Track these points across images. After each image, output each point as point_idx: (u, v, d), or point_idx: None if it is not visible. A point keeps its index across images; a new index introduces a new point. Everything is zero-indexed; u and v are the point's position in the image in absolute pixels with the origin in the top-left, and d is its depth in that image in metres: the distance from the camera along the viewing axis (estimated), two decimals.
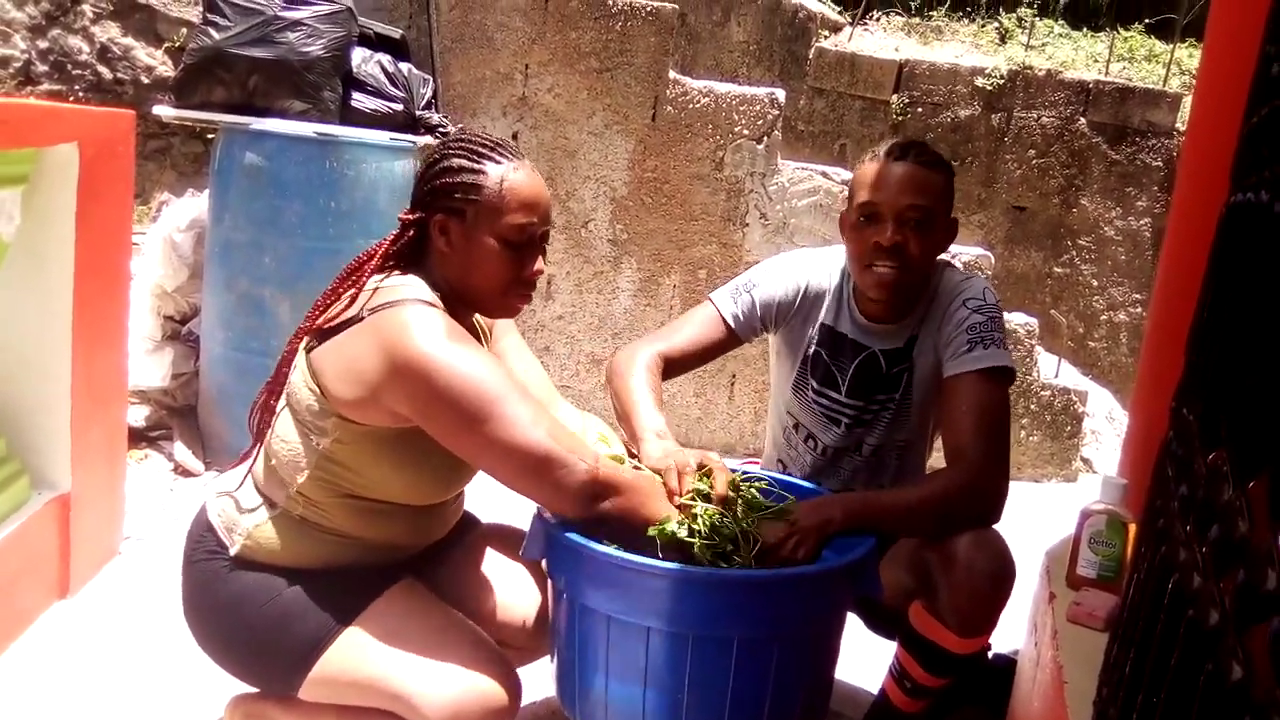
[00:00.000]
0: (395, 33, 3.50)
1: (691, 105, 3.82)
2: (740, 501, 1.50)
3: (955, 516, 1.58)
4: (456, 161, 1.47)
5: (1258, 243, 1.01)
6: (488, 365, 1.38)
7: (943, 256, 1.89)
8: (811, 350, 1.90)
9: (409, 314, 1.37)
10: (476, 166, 1.47)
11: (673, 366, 1.84)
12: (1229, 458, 0.91)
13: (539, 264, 1.52)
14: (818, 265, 1.91)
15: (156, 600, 2.21)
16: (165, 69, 3.95)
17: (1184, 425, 1.17)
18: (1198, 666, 0.79)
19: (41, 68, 3.87)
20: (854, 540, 1.45)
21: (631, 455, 1.64)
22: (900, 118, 5.02)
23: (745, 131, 3.84)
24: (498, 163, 1.48)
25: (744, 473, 1.64)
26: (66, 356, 2.18)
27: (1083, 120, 5.00)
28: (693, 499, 1.46)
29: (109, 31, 3.93)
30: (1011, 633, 2.03)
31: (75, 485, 2.24)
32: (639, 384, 1.73)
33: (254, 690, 1.60)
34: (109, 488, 2.47)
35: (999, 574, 1.56)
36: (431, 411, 1.36)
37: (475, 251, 1.47)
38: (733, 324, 1.88)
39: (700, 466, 1.55)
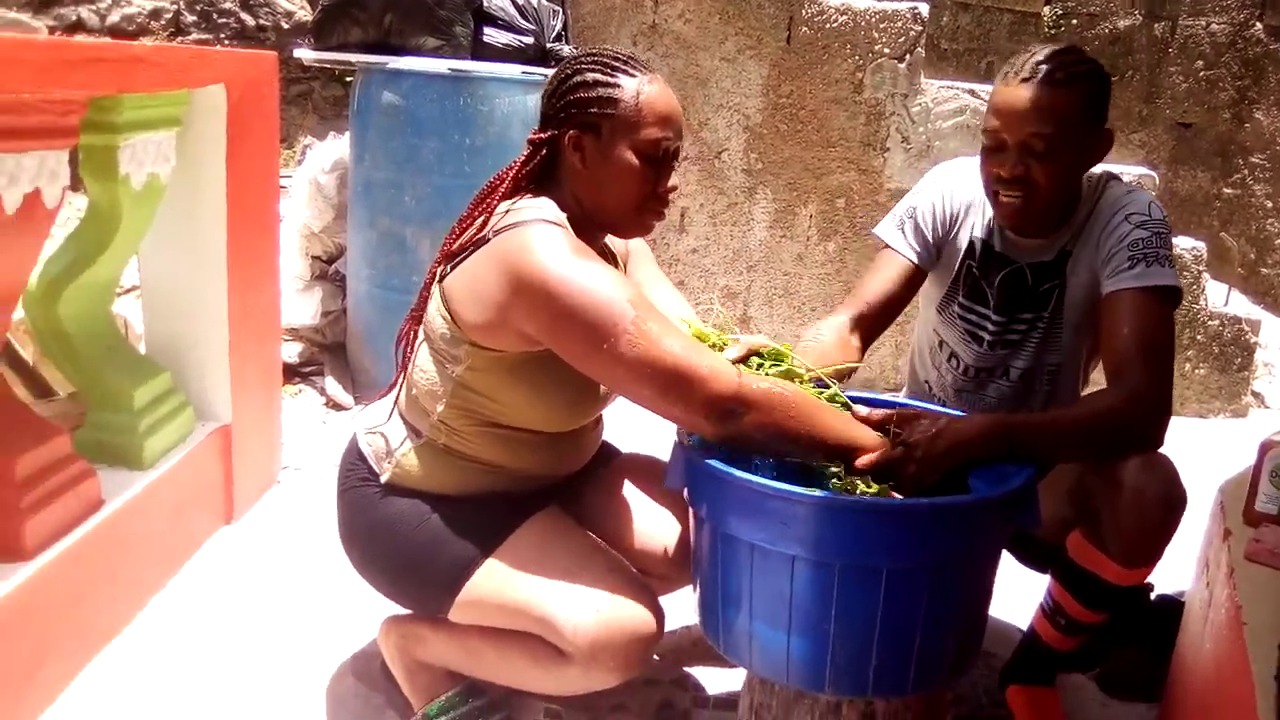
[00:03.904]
0: None
1: (828, 25, 3.67)
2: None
3: (1113, 441, 1.48)
4: (591, 76, 1.44)
5: None
6: (613, 280, 1.34)
7: (1106, 169, 1.76)
8: (964, 264, 1.82)
9: (531, 233, 1.36)
10: (611, 80, 1.43)
11: (871, 324, 1.77)
12: None
13: (672, 179, 1.49)
14: (971, 175, 1.81)
15: (314, 526, 2.31)
16: (304, 14, 4.04)
17: None
18: None
19: (190, 18, 4.01)
20: (1011, 468, 1.37)
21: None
22: (1053, 31, 4.72)
23: (886, 50, 3.67)
24: (631, 76, 1.44)
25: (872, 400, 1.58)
26: (223, 293, 2.26)
27: (1259, 25, 4.60)
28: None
29: None
30: (1176, 573, 1.92)
31: (235, 417, 2.34)
32: (819, 331, 1.70)
33: (407, 612, 1.65)
34: (267, 419, 2.59)
35: (1170, 500, 1.46)
36: (557, 329, 1.34)
37: (611, 166, 1.44)
38: (913, 256, 1.81)
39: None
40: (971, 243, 1.81)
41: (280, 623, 1.99)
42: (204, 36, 4.01)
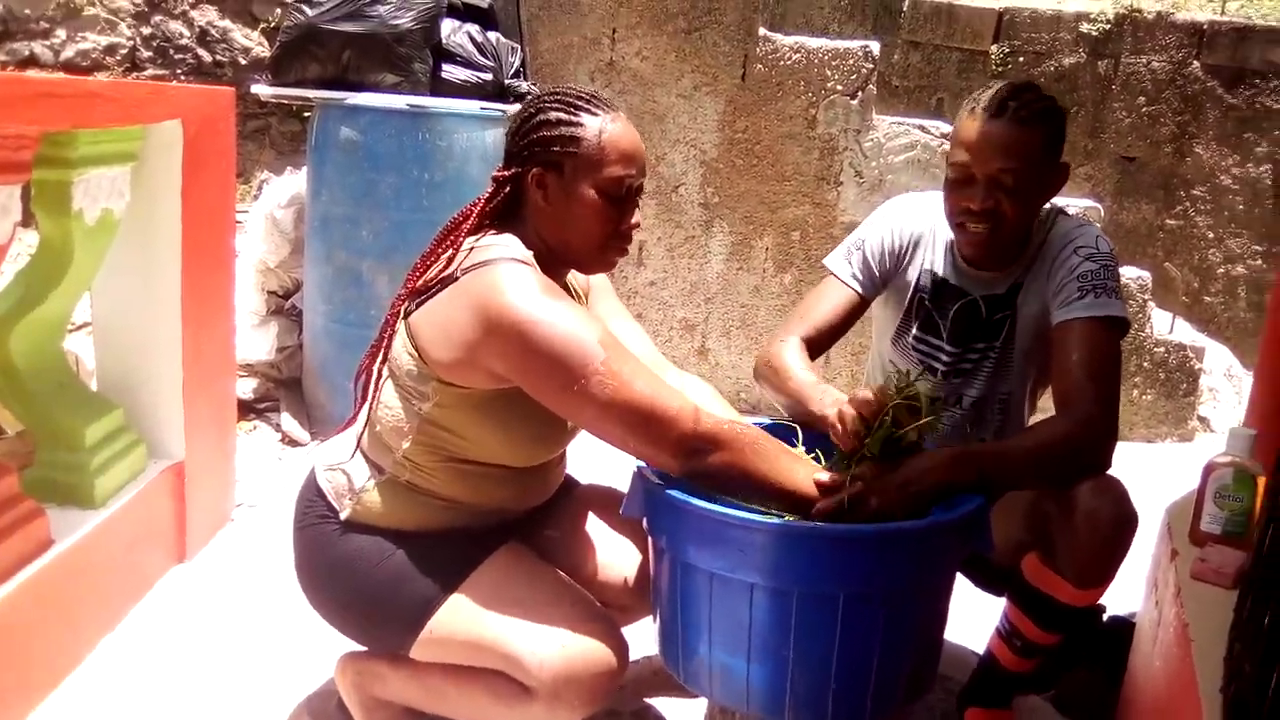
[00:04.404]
0: (483, 2, 3.50)
1: (782, 62, 3.74)
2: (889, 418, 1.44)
3: (1065, 466, 1.52)
4: (554, 115, 1.45)
5: None
6: (582, 320, 1.36)
7: (1056, 203, 1.81)
8: (916, 296, 1.86)
9: (501, 272, 1.37)
10: (574, 119, 1.45)
11: (814, 347, 1.81)
12: None
13: (635, 216, 1.51)
14: (921, 210, 1.86)
15: (269, 564, 2.28)
16: (262, 49, 4.05)
17: None
18: None
19: (146, 53, 3.99)
20: (963, 495, 1.40)
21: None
22: (1000, 69, 4.85)
23: (838, 87, 3.74)
24: (595, 114, 1.46)
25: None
26: (177, 329, 2.24)
27: (1196, 64, 4.76)
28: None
29: (207, 15, 4.04)
30: (1127, 595, 1.95)
31: (189, 454, 2.31)
32: (791, 361, 1.71)
33: (364, 649, 1.63)
34: (221, 456, 2.55)
35: (1121, 521, 1.51)
36: (527, 369, 1.35)
37: (574, 205, 1.46)
38: (857, 287, 1.85)
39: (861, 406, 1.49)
40: (923, 275, 1.85)
41: (234, 662, 1.95)
42: (160, 72, 4.00)
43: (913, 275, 1.86)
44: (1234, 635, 1.21)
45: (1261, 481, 1.54)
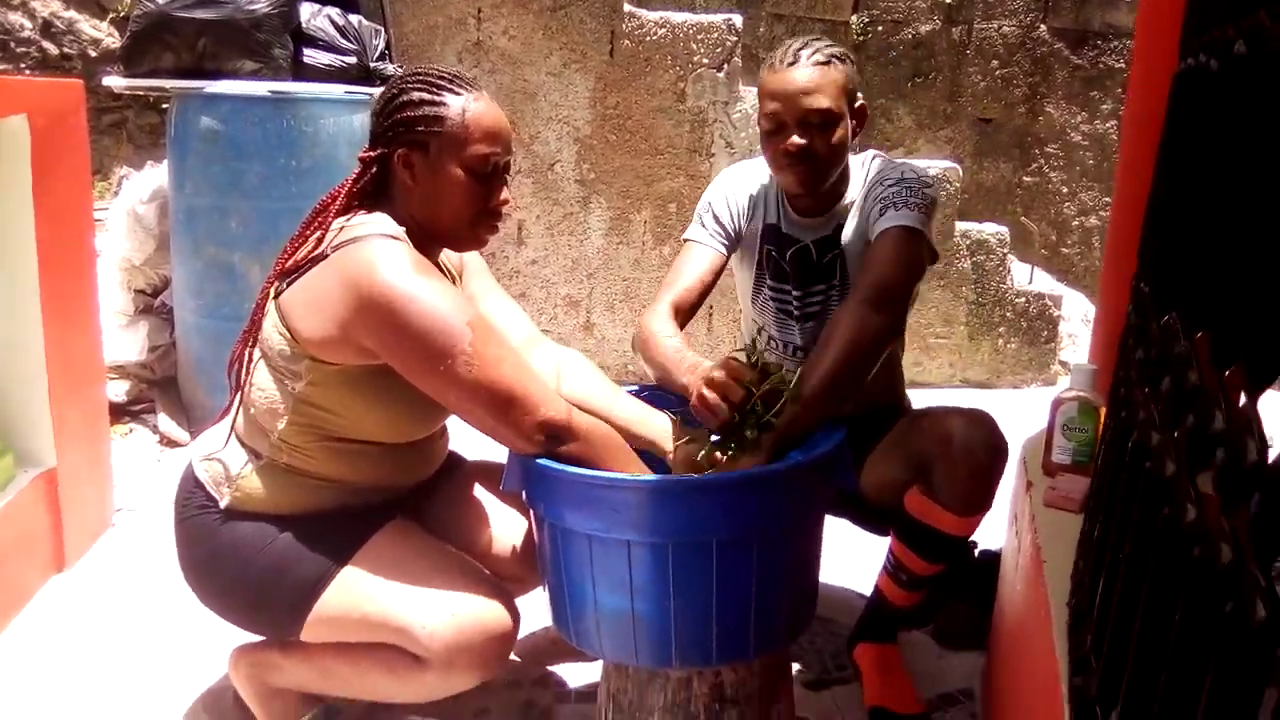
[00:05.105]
0: None
1: (649, 38, 3.78)
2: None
3: (867, 347, 1.56)
4: (416, 95, 1.46)
5: (1201, 104, 1.02)
6: (453, 300, 1.38)
7: (880, 151, 1.92)
8: (763, 250, 1.94)
9: (374, 247, 1.37)
10: (437, 98, 1.46)
11: (685, 310, 1.87)
12: (1179, 316, 0.93)
13: (505, 193, 1.52)
14: (751, 172, 1.96)
15: (152, 567, 2.23)
16: (112, 40, 3.89)
17: (1140, 297, 1.19)
18: (1155, 514, 0.82)
19: None
20: (825, 434, 1.47)
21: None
22: (861, 38, 4.98)
23: (705, 60, 3.80)
24: (457, 94, 1.47)
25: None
26: (39, 334, 2.17)
27: (1043, 27, 4.98)
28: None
29: (50, 5, 3.86)
30: (996, 532, 2.07)
31: (61, 461, 2.24)
32: (659, 329, 1.77)
33: (255, 640, 1.62)
34: (95, 461, 2.48)
35: (994, 447, 1.65)
36: (395, 345, 1.36)
37: (441, 183, 1.46)
38: (714, 244, 1.91)
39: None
40: (764, 229, 1.94)
41: (124, 668, 1.91)
42: (3, 67, 3.81)
43: (757, 229, 1.94)
44: (1079, 552, 1.31)
45: (1103, 412, 1.65)
